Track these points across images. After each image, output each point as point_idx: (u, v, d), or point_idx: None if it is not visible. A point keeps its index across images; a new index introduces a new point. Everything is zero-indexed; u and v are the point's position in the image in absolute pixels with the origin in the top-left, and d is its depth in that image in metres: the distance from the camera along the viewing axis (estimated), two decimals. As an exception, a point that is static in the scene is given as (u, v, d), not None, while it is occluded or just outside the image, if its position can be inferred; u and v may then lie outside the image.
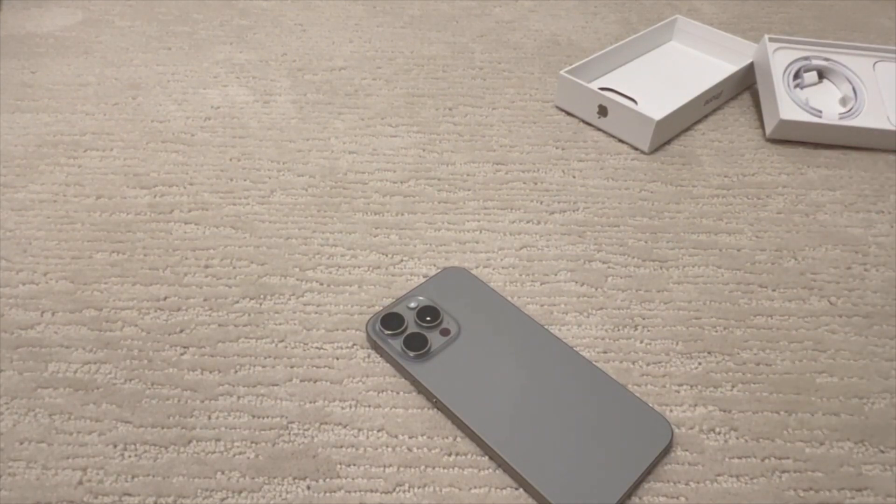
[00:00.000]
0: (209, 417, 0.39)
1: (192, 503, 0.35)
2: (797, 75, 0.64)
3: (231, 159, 0.57)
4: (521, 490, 0.36)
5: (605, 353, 0.43)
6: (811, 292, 0.48)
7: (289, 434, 0.38)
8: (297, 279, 0.47)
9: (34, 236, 0.50)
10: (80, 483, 0.36)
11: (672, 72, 0.70)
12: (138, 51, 0.71)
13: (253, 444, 0.38)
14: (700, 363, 0.43)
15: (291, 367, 0.42)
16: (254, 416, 0.39)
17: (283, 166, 0.57)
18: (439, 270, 0.48)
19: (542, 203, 0.54)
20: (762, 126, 0.64)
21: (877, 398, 0.41)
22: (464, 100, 0.66)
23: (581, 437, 0.37)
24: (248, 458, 0.37)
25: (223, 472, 0.37)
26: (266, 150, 0.59)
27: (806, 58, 0.65)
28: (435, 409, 0.40)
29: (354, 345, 0.43)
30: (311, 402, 0.40)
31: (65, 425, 0.38)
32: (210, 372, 0.41)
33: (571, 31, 0.78)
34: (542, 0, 0.84)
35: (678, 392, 0.41)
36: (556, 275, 0.48)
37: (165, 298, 0.46)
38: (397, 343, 0.42)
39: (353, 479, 0.37)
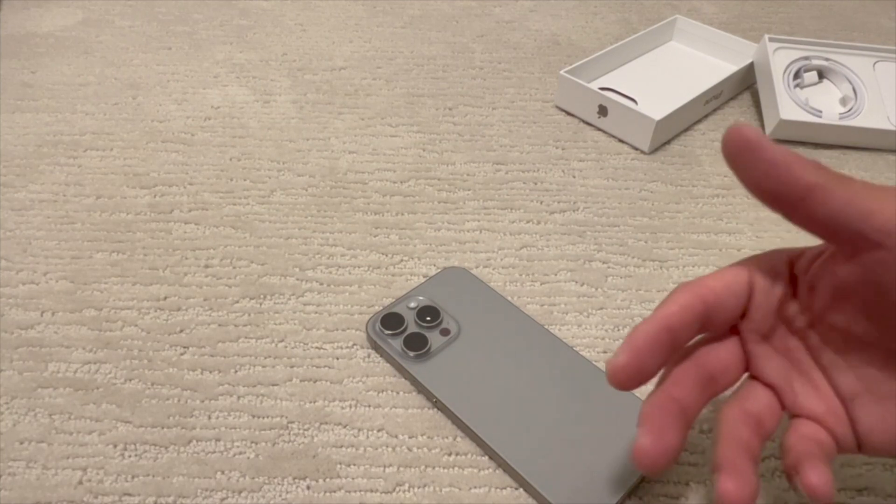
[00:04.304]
0: (209, 417, 0.39)
1: (192, 503, 0.35)
2: (797, 75, 0.64)
3: (231, 159, 0.57)
4: (521, 490, 0.36)
5: (605, 353, 0.43)
6: (811, 292, 0.48)
7: (289, 434, 0.38)
8: (297, 279, 0.47)
9: (34, 236, 0.50)
10: (80, 483, 0.36)
11: (672, 72, 0.70)
12: (138, 51, 0.71)
13: (253, 444, 0.38)
14: (700, 363, 0.43)
15: (291, 367, 0.42)
16: (254, 416, 0.39)
17: (283, 166, 0.57)
18: (439, 270, 0.48)
19: (542, 203, 0.54)
20: (762, 126, 0.64)
21: (877, 398, 0.41)
22: (464, 100, 0.66)
23: (581, 437, 0.37)
24: (248, 458, 0.37)
25: (223, 472, 0.37)
26: (266, 149, 0.59)
27: (806, 58, 0.65)
28: (435, 409, 0.40)
29: (354, 345, 0.43)
30: (311, 402, 0.40)
31: (65, 425, 0.38)
32: (210, 372, 0.41)
33: (571, 31, 0.78)
34: (542, 0, 0.84)
35: (678, 392, 0.41)
36: (556, 275, 0.48)
37: (165, 298, 0.46)
38: (397, 343, 0.42)
39: (353, 478, 0.37)
